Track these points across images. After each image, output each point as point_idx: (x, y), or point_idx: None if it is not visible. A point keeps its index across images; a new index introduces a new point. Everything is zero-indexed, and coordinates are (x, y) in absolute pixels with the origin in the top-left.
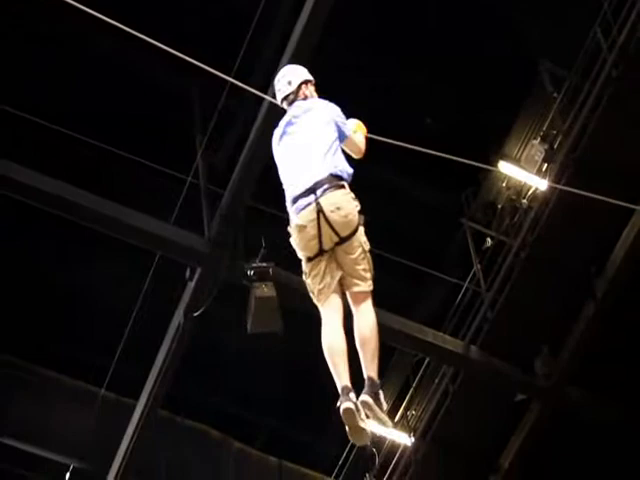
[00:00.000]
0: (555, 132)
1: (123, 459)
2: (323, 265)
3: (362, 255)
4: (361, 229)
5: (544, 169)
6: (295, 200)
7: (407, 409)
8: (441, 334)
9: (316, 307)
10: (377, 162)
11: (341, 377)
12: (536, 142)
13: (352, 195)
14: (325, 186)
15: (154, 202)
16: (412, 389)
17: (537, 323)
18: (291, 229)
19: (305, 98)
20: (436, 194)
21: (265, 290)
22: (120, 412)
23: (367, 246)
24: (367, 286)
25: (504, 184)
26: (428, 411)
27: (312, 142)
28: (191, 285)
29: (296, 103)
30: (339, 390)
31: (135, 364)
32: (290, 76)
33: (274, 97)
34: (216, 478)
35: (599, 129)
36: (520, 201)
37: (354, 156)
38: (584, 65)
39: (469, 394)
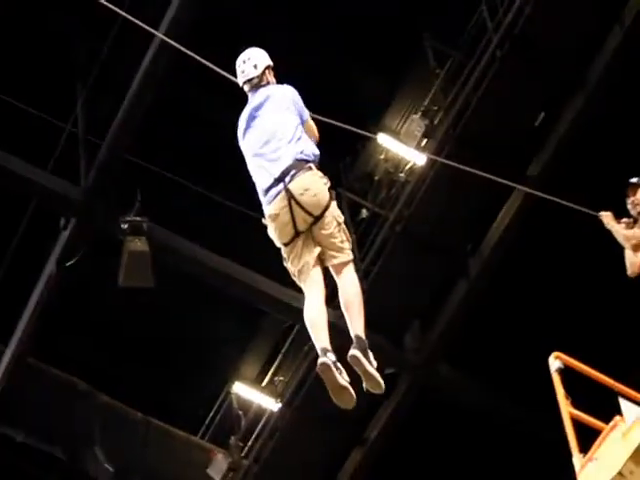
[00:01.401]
0: (436, 108)
1: None
2: (299, 245)
3: (337, 228)
4: (333, 204)
5: (423, 144)
6: (266, 191)
7: (275, 374)
8: None
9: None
10: None
11: (320, 341)
12: (417, 117)
13: (320, 174)
14: (292, 172)
15: (32, 148)
16: (281, 355)
17: (409, 298)
18: (265, 220)
19: (267, 83)
20: None
21: (138, 244)
22: None
23: (341, 218)
24: (346, 255)
25: (382, 156)
26: (296, 379)
27: (276, 132)
28: (65, 235)
29: (259, 91)
30: (318, 352)
31: (5, 311)
32: (256, 59)
33: (165, 43)
34: (81, 429)
35: (480, 108)
36: (398, 174)
37: (311, 140)
38: (468, 44)
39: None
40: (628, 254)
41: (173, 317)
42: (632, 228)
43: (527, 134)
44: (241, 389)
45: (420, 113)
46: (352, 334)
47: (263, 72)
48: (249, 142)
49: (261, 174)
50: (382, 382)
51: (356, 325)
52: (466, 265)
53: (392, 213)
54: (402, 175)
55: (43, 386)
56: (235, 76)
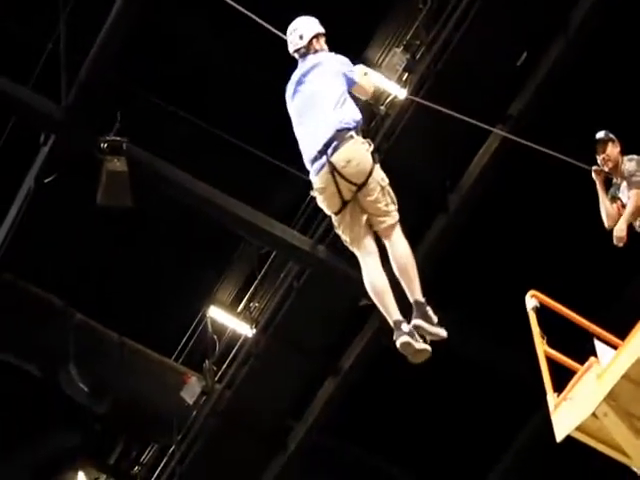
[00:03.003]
0: (418, 43)
1: None
2: (348, 216)
3: (381, 192)
4: (376, 167)
5: (404, 78)
6: (312, 163)
7: (250, 300)
8: (290, 229)
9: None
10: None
11: (391, 313)
12: (398, 50)
13: (361, 140)
14: (334, 144)
15: (14, 65)
16: (257, 281)
17: None
18: (314, 192)
19: (316, 52)
20: None
21: (117, 164)
22: None
23: (385, 182)
24: (393, 218)
25: None
26: (271, 305)
27: (320, 100)
28: (44, 151)
29: (307, 57)
30: (392, 325)
31: None
32: (302, 30)
33: None
34: (56, 348)
35: (462, 45)
36: (378, 107)
37: (363, 98)
38: None
39: (313, 293)
40: (605, 205)
41: (150, 239)
42: (600, 175)
43: (509, 73)
44: (216, 313)
45: (402, 47)
46: (411, 299)
47: (310, 41)
48: (295, 107)
49: (306, 145)
50: (444, 332)
51: (413, 288)
52: (445, 201)
53: (371, 146)
54: (382, 108)
55: (19, 302)
56: None
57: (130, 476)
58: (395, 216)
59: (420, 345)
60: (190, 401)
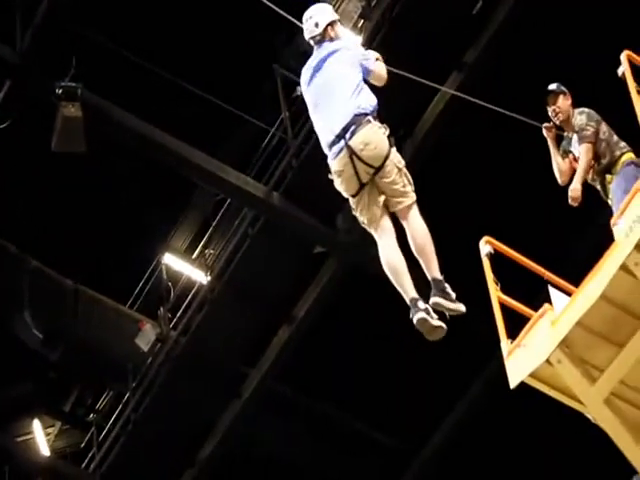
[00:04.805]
0: None
1: None
2: (366, 198)
3: (398, 174)
4: (393, 150)
5: (360, 25)
6: (329, 147)
7: (205, 247)
8: (244, 176)
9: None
10: None
11: (407, 291)
12: None
13: (379, 125)
14: (352, 128)
15: None
16: (211, 228)
17: None
18: (332, 175)
19: (331, 39)
20: (248, 36)
21: (72, 110)
22: None
23: (401, 163)
24: (410, 199)
25: None
26: (226, 252)
27: (338, 87)
28: None
29: (323, 44)
30: (408, 303)
31: None
32: (317, 17)
33: None
34: (10, 293)
35: None
36: None
37: (378, 84)
38: None
39: (268, 240)
40: (557, 162)
41: (105, 186)
42: (551, 132)
43: (464, 21)
44: (171, 260)
45: None
46: (429, 277)
47: (325, 29)
48: (312, 93)
49: (323, 129)
50: (463, 307)
51: (432, 266)
52: (399, 148)
53: None
54: None
55: None
56: None
57: (85, 423)
58: (412, 197)
59: (436, 322)
60: (145, 348)
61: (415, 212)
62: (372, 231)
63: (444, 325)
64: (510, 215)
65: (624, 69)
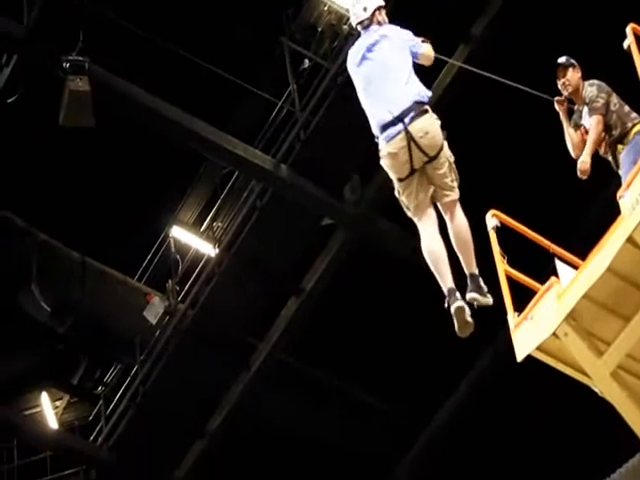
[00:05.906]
0: None
1: None
2: (415, 184)
3: (449, 168)
4: (445, 144)
5: None
6: (384, 128)
7: (213, 220)
8: (252, 149)
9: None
10: None
11: (445, 281)
12: None
13: (435, 116)
14: (412, 114)
15: None
16: (220, 201)
17: (350, 150)
18: (382, 155)
19: (379, 24)
20: (256, 9)
21: (79, 84)
22: None
23: (452, 158)
24: (456, 194)
25: (326, 7)
26: (234, 225)
27: (392, 71)
28: (6, 72)
29: (372, 27)
30: (445, 293)
31: None
32: (366, 2)
33: None
34: (18, 266)
35: None
36: (341, 27)
37: (426, 65)
38: None
39: (276, 212)
40: (570, 135)
41: (113, 159)
42: (563, 105)
43: None
44: (179, 233)
45: None
46: (467, 272)
47: (373, 13)
48: (364, 73)
49: (378, 110)
50: (491, 300)
51: (470, 262)
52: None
53: (334, 65)
54: (345, 27)
55: None
56: None
57: (93, 396)
58: (457, 192)
59: (469, 318)
60: (153, 321)
61: (458, 208)
62: (415, 218)
63: (473, 322)
64: (517, 188)
65: (630, 42)
